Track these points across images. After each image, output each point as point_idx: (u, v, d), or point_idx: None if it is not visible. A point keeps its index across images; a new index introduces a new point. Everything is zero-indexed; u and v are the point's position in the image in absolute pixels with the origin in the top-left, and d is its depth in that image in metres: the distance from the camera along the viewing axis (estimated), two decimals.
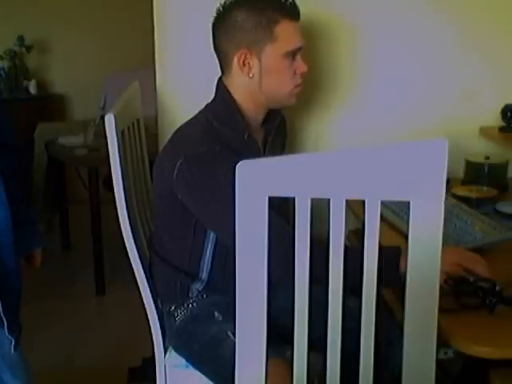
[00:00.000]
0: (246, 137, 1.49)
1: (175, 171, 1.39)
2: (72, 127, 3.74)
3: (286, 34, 1.47)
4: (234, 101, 1.50)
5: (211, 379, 1.46)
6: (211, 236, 1.49)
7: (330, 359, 1.09)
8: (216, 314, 1.50)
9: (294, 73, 1.50)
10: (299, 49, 1.50)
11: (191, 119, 1.53)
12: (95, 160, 3.14)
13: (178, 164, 1.39)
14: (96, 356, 2.54)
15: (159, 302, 1.58)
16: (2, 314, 1.19)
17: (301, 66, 1.51)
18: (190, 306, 1.53)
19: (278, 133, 1.65)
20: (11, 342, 1.23)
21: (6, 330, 1.21)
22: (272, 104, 1.55)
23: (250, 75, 1.47)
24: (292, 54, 1.49)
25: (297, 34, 1.50)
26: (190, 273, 1.53)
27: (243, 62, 1.47)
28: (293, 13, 1.48)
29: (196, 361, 1.51)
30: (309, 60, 1.55)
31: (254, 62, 1.47)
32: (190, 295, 1.54)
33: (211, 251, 1.50)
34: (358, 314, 1.07)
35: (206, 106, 1.54)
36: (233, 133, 1.47)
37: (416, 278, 1.03)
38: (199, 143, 1.41)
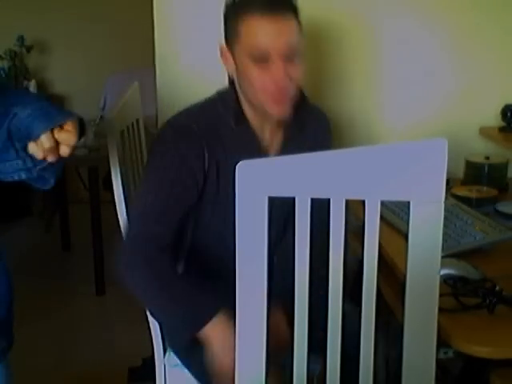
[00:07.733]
0: (234, 124, 1.39)
1: None
2: None
3: (249, 31, 1.26)
4: (235, 91, 1.41)
5: (198, 379, 1.44)
6: (188, 236, 1.46)
7: (330, 360, 1.09)
8: None
9: (270, 80, 1.28)
10: (267, 52, 1.26)
11: (199, 102, 1.46)
12: (95, 160, 3.14)
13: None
14: (96, 356, 2.53)
15: None
16: None
17: (275, 72, 1.27)
18: None
19: (309, 140, 1.49)
20: None
21: None
22: (256, 107, 1.37)
23: (229, 70, 1.38)
24: (260, 57, 1.27)
25: (264, 33, 1.25)
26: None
27: (224, 54, 1.37)
28: (262, 6, 1.26)
29: (185, 361, 1.50)
30: (311, 60, 1.54)
31: (229, 57, 1.35)
32: None
33: (186, 251, 1.48)
34: (357, 314, 1.07)
35: (218, 92, 1.46)
36: (232, 119, 1.39)
37: (416, 278, 1.03)
38: (185, 116, 1.40)
